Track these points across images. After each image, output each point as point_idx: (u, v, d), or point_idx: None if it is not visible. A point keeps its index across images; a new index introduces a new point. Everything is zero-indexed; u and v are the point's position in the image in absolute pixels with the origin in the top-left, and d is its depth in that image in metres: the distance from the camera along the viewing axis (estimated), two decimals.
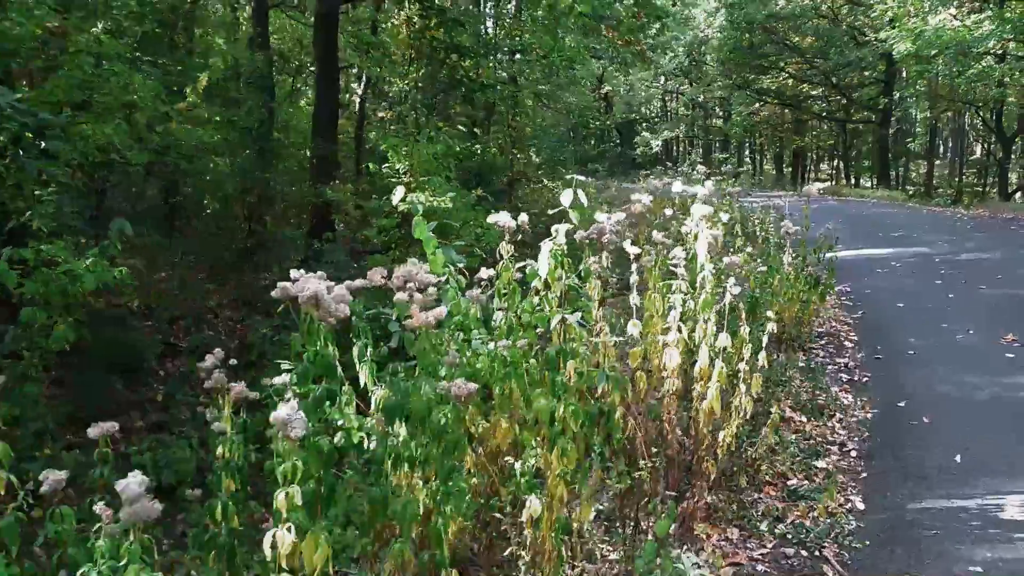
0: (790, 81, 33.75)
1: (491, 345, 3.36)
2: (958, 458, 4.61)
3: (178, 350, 7.82)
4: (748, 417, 4.01)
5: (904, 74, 29.72)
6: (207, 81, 7.73)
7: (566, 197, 3.84)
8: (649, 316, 4.42)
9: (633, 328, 4.05)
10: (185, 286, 8.44)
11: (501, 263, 3.50)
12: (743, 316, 4.23)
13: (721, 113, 44.55)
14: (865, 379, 6.41)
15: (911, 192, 27.70)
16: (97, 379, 6.71)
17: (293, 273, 2.53)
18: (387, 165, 8.66)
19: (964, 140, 33.53)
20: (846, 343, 7.57)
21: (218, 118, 8.86)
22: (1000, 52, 22.42)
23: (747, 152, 47.63)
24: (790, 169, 41.22)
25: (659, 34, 25.03)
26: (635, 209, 4.85)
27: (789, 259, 6.53)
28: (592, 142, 53.88)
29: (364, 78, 16.61)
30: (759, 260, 6.78)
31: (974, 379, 6.09)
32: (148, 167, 8.25)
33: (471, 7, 18.62)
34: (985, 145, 32.24)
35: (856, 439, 5.11)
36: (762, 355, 4.03)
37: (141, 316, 8.12)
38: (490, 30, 19.25)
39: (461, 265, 3.75)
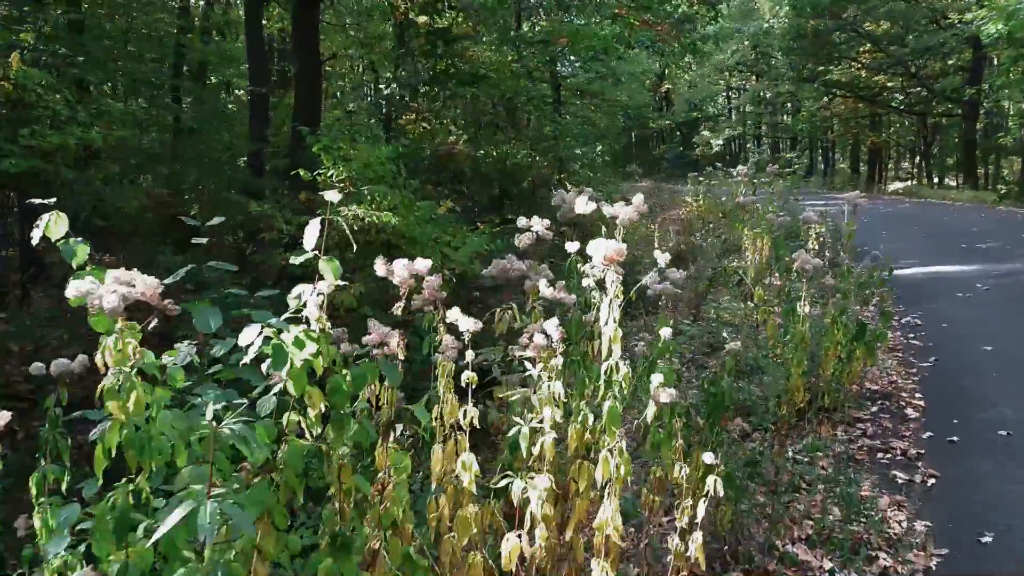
0: (863, 72, 30.74)
1: None
2: None
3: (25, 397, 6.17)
4: None
5: (996, 61, 26.53)
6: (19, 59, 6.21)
7: (309, 234, 2.08)
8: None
9: (464, 474, 2.21)
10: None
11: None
12: (679, 446, 2.33)
13: (791, 109, 41.51)
14: (931, 482, 4.34)
15: (1002, 193, 24.47)
16: None
17: None
18: (318, 172, 6.98)
19: None
20: (908, 411, 5.47)
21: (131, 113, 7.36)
22: None
23: (819, 150, 44.40)
24: (867, 168, 37.92)
25: (710, 23, 22.75)
26: (523, 242, 3.02)
27: (807, 303, 4.47)
28: (653, 142, 51.64)
29: (393, 78, 15.04)
30: (776, 303, 4.80)
31: None
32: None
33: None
34: None
35: None
36: (695, 540, 2.10)
37: None
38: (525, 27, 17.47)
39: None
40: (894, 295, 9.25)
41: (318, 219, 2.04)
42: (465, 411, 2.35)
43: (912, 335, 7.49)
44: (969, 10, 21.38)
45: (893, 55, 27.32)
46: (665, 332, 2.64)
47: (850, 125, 35.79)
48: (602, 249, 2.38)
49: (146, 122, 8.79)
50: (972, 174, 28.24)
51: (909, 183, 33.93)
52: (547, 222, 2.91)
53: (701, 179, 18.77)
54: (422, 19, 12.63)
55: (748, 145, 50.75)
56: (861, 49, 29.27)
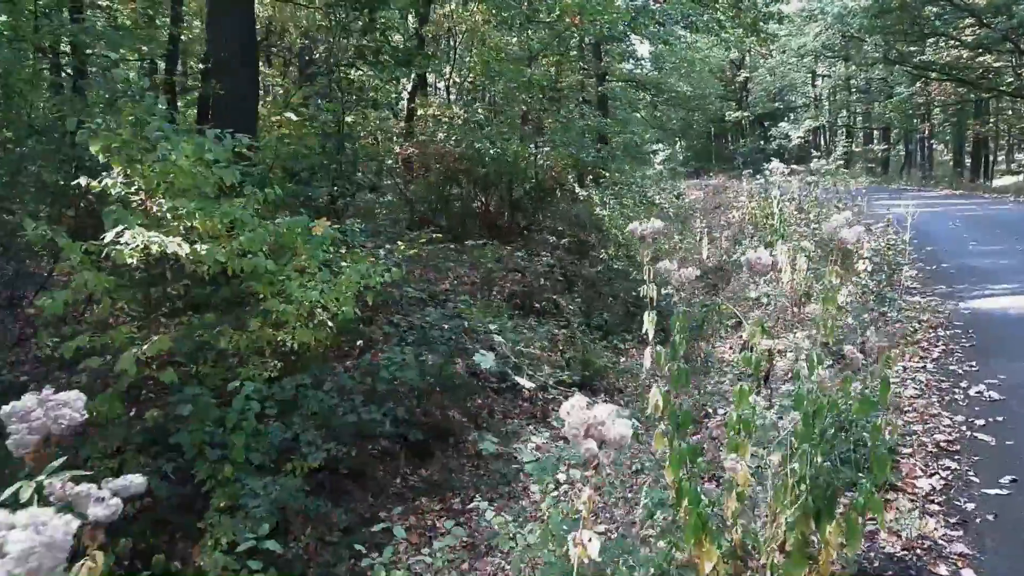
0: (964, 51, 26.75)
1: None
2: None
3: None
4: None
5: None
6: None
7: None
8: None
9: None
10: None
11: None
12: None
13: (882, 96, 37.28)
14: None
15: None
16: None
17: None
18: (100, 180, 5.00)
19: None
20: None
21: None
22: None
23: (914, 141, 39.90)
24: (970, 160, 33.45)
25: (774, 1, 19.81)
26: None
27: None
28: (731, 136, 48.18)
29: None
30: None
31: None
32: None
33: None
34: None
35: None
36: None
37: None
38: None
39: None
40: (966, 342, 6.59)
41: None
42: None
43: (981, 421, 4.88)
44: None
45: (999, 29, 23.44)
46: None
47: (950, 112, 31.60)
48: None
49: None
50: None
51: (1020, 178, 29.64)
52: None
53: (757, 176, 16.08)
54: None
55: (837, 137, 46.45)
56: (960, 24, 25.41)
